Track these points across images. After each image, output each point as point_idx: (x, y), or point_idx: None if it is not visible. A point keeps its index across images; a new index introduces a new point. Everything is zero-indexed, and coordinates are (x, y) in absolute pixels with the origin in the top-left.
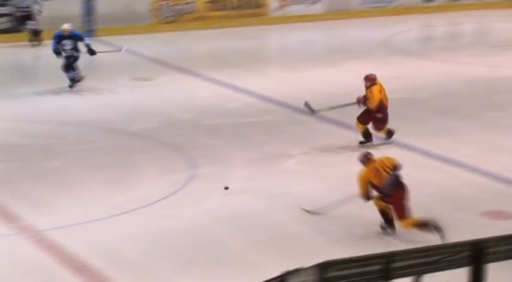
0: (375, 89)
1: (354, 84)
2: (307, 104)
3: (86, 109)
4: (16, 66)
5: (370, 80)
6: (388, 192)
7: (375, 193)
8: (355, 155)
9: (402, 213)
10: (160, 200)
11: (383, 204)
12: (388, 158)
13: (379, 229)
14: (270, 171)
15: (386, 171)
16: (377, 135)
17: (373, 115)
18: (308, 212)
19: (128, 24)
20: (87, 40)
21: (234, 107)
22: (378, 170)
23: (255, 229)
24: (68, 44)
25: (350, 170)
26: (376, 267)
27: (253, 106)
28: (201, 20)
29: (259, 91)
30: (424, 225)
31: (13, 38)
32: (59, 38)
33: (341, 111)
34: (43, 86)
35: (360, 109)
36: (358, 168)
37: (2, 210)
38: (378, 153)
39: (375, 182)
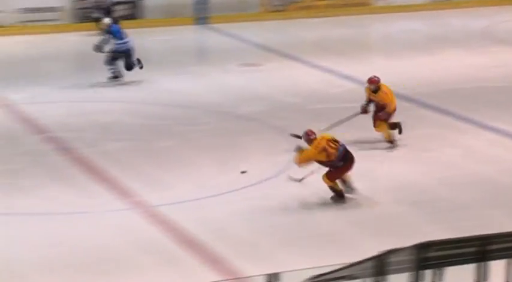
0: (386, 89)
1: (453, 72)
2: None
3: (197, 92)
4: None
5: (374, 83)
6: (339, 165)
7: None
8: (456, 140)
9: (333, 177)
10: (265, 180)
11: (330, 182)
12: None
13: (474, 212)
14: (372, 155)
15: (333, 147)
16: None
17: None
18: (294, 180)
19: (239, 12)
20: (116, 41)
21: (337, 93)
22: (325, 150)
23: (355, 210)
24: (108, 37)
25: (450, 155)
26: (472, 249)
27: (355, 92)
28: (307, 9)
29: (362, 78)
30: (337, 192)
31: (132, 24)
32: (108, 31)
33: (443, 99)
34: (157, 69)
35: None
36: (459, 153)
37: (118, 186)
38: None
39: (324, 159)
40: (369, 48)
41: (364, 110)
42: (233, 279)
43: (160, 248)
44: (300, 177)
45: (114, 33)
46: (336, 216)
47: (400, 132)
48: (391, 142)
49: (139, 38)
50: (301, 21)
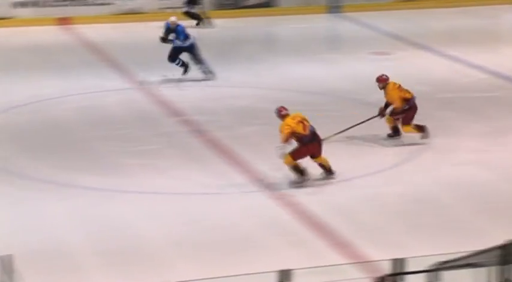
0: (390, 89)
1: None
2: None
3: (328, 79)
4: (265, 36)
5: (382, 81)
6: (308, 141)
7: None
8: None
9: (296, 154)
10: (393, 166)
11: (293, 161)
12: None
13: None
14: (500, 144)
15: (305, 123)
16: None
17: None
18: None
19: (371, 1)
20: (179, 41)
21: (467, 82)
22: (303, 122)
23: (481, 198)
24: (172, 36)
25: None
26: None
27: (485, 82)
28: None
29: (492, 67)
30: (297, 170)
31: (267, 11)
32: (168, 30)
33: None
34: (289, 56)
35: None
36: None
37: (249, 168)
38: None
39: (301, 131)
40: (499, 38)
41: (382, 113)
42: (359, 262)
43: (288, 230)
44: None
45: (178, 33)
46: (463, 204)
47: (424, 136)
48: (394, 134)
49: (273, 25)
50: (432, 11)
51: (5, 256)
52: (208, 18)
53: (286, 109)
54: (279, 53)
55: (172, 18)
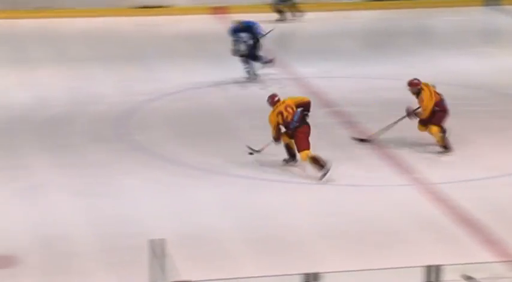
0: (425, 95)
1: None
2: (355, 138)
3: (483, 73)
4: (419, 28)
5: (414, 85)
6: (293, 126)
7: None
8: None
9: (302, 146)
10: None
11: (287, 139)
12: (294, 98)
13: None
14: None
15: (289, 112)
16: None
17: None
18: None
19: None
20: (259, 30)
21: None
22: (281, 113)
23: None
24: (244, 36)
25: None
26: None
27: None
28: None
29: None
30: (316, 161)
31: (421, 3)
32: (235, 31)
33: None
34: (444, 49)
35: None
36: None
37: (398, 161)
38: None
39: (281, 122)
40: None
41: (413, 113)
42: (509, 261)
43: (436, 225)
44: (258, 148)
45: (252, 26)
46: None
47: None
48: (445, 147)
49: (428, 17)
50: None
51: (157, 240)
52: (297, 11)
53: (276, 96)
54: (434, 45)
55: (234, 20)
